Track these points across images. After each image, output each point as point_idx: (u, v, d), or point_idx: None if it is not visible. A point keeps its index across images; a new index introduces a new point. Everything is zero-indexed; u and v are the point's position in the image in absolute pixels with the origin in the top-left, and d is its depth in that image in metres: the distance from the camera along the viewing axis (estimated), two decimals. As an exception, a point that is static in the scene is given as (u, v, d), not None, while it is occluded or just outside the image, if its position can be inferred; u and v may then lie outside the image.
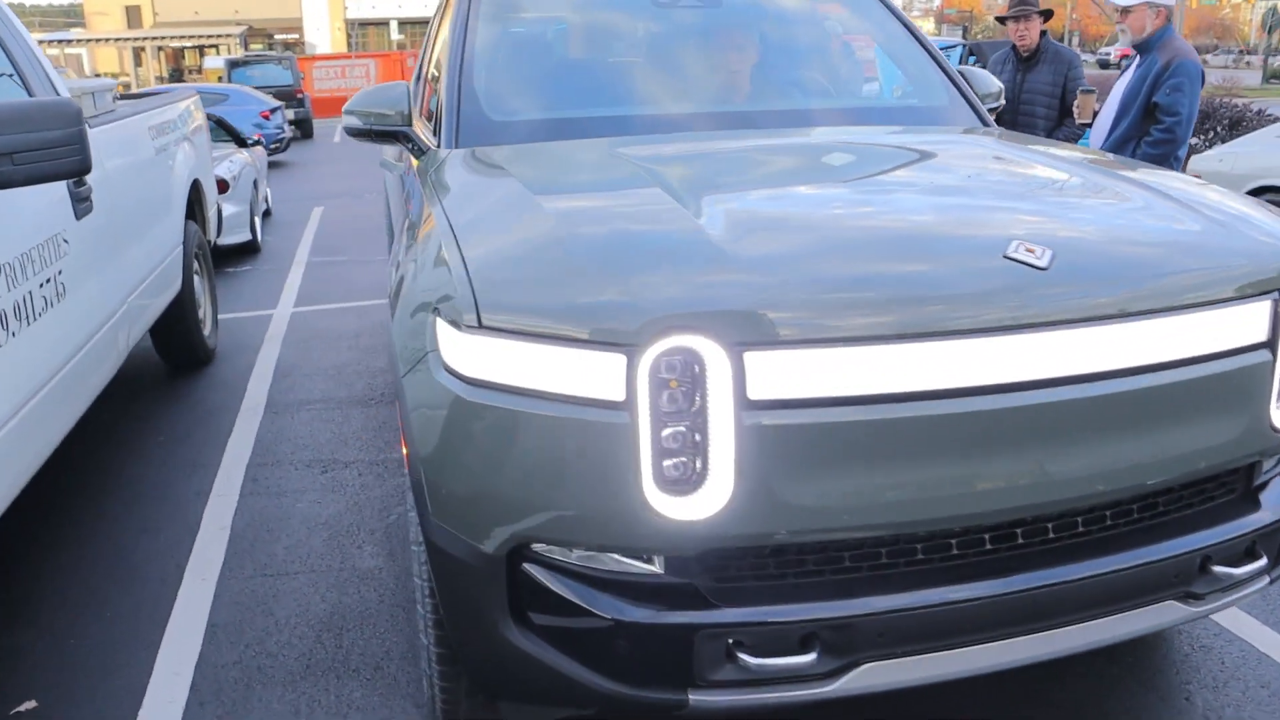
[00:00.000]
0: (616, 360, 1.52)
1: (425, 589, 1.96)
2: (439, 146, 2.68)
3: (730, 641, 1.62)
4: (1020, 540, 1.76)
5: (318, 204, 11.16)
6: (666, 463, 1.55)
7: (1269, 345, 1.80)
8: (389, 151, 4.38)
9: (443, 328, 1.69)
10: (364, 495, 3.66)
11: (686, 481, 1.56)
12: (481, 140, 2.62)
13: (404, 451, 1.91)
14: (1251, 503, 1.92)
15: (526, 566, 1.70)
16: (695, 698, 1.64)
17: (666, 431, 1.53)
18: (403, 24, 52.99)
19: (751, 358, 1.52)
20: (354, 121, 2.86)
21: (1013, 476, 1.65)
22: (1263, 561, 1.88)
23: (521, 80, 2.94)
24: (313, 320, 6.16)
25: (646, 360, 1.50)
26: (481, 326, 1.60)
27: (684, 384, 1.52)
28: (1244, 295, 1.76)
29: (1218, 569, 1.82)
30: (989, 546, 1.75)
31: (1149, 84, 4.20)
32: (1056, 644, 1.76)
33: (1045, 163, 2.37)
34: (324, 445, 4.15)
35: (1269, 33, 38.33)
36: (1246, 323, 1.77)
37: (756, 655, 1.62)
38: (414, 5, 50.87)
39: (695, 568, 1.65)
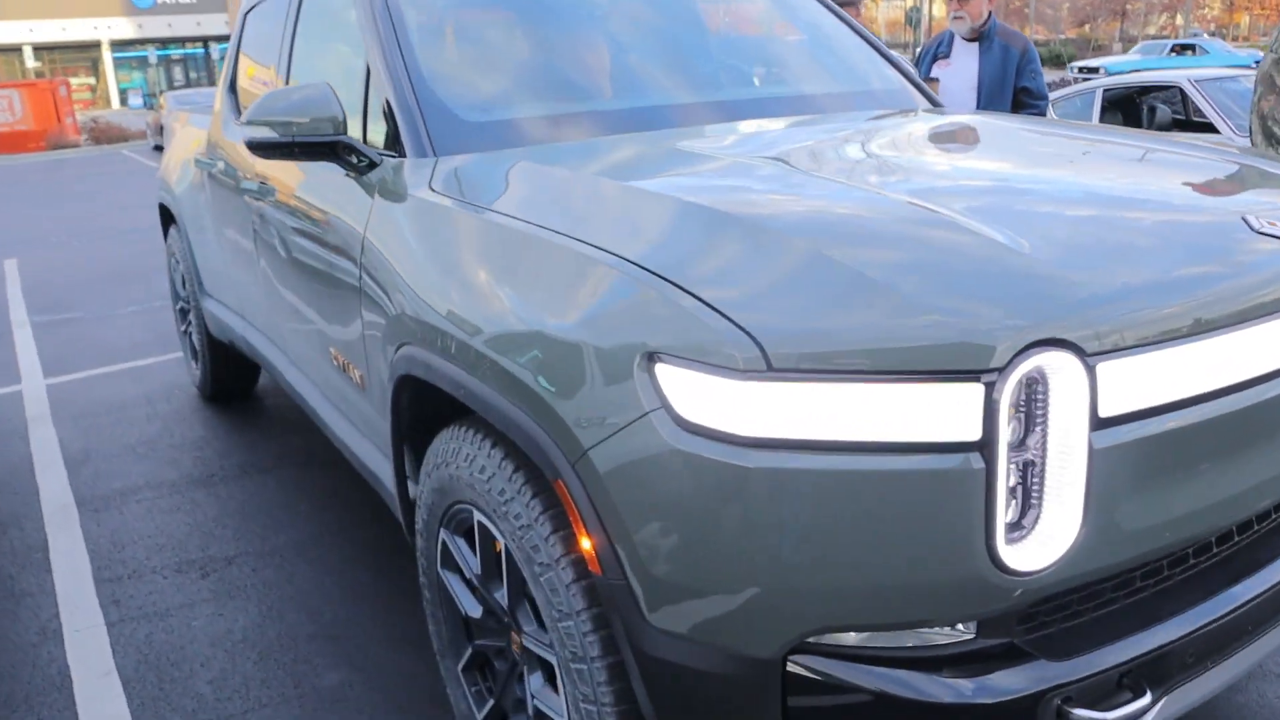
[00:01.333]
0: (972, 391, 1.23)
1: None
2: (404, 157, 2.20)
3: (1059, 701, 1.39)
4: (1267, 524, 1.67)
5: (6, 256, 9.48)
6: (1014, 508, 1.29)
7: None
8: (215, 171, 3.67)
9: (682, 378, 1.31)
10: (275, 595, 3.02)
11: (1028, 526, 1.31)
12: (466, 146, 2.18)
13: (586, 547, 1.49)
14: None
15: (804, 662, 1.37)
16: (1028, 773, 1.39)
17: (1022, 469, 1.27)
18: (39, 49, 46.73)
19: (1104, 370, 1.29)
20: (267, 134, 2.29)
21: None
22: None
23: (491, 74, 2.49)
24: (80, 391, 5.14)
25: (1008, 388, 1.23)
26: (771, 370, 1.25)
27: (1036, 412, 1.27)
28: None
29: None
30: (1246, 536, 1.64)
31: (1013, 69, 4.39)
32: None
33: (1109, 136, 2.31)
34: (185, 542, 3.41)
35: (914, 28, 42.96)
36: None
37: (1084, 710, 1.40)
38: (49, 29, 45.14)
39: (1012, 623, 1.40)
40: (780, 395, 1.25)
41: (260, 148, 2.30)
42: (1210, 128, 6.40)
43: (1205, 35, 52.60)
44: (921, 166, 2.01)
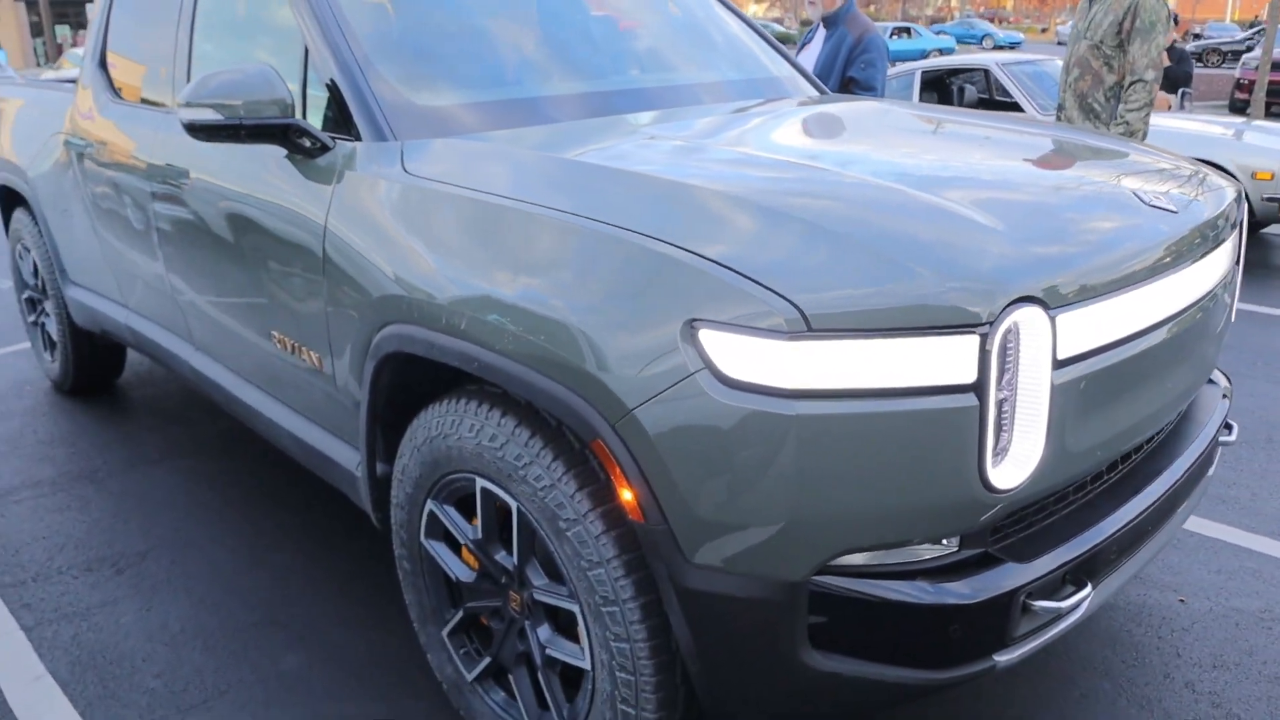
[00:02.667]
0: (969, 342, 1.48)
1: (639, 651, 1.73)
2: (358, 140, 2.26)
3: (1025, 596, 1.67)
4: (1156, 441, 2.04)
5: None
6: (1000, 436, 1.55)
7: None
8: (91, 153, 3.52)
9: (725, 341, 1.50)
10: (202, 585, 3.00)
11: (1005, 451, 1.58)
12: (422, 131, 2.26)
13: (629, 500, 1.66)
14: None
15: (824, 582, 1.59)
16: (1001, 659, 1.68)
17: (1001, 405, 1.54)
18: None
19: (1064, 320, 1.58)
20: (210, 115, 2.27)
21: (1182, 380, 1.92)
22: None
23: (435, 59, 2.55)
24: (-91, 393, 4.76)
25: (996, 338, 1.49)
26: (810, 330, 1.45)
27: (1012, 356, 1.53)
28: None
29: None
30: (1147, 451, 2.00)
31: (843, 58, 4.58)
32: (1175, 526, 2.06)
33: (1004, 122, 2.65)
34: (87, 540, 3.30)
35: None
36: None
37: (1041, 601, 1.70)
38: None
39: (985, 536, 1.67)
40: (817, 352, 1.46)
41: (201, 130, 2.29)
42: (1015, 106, 7.09)
43: (976, 17, 56.62)
44: (857, 150, 2.27)
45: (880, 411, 1.49)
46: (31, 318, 4.73)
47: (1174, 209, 1.91)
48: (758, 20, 33.41)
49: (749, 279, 1.50)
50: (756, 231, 1.61)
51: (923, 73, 7.80)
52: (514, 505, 1.89)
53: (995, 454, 1.55)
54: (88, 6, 36.68)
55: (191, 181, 2.81)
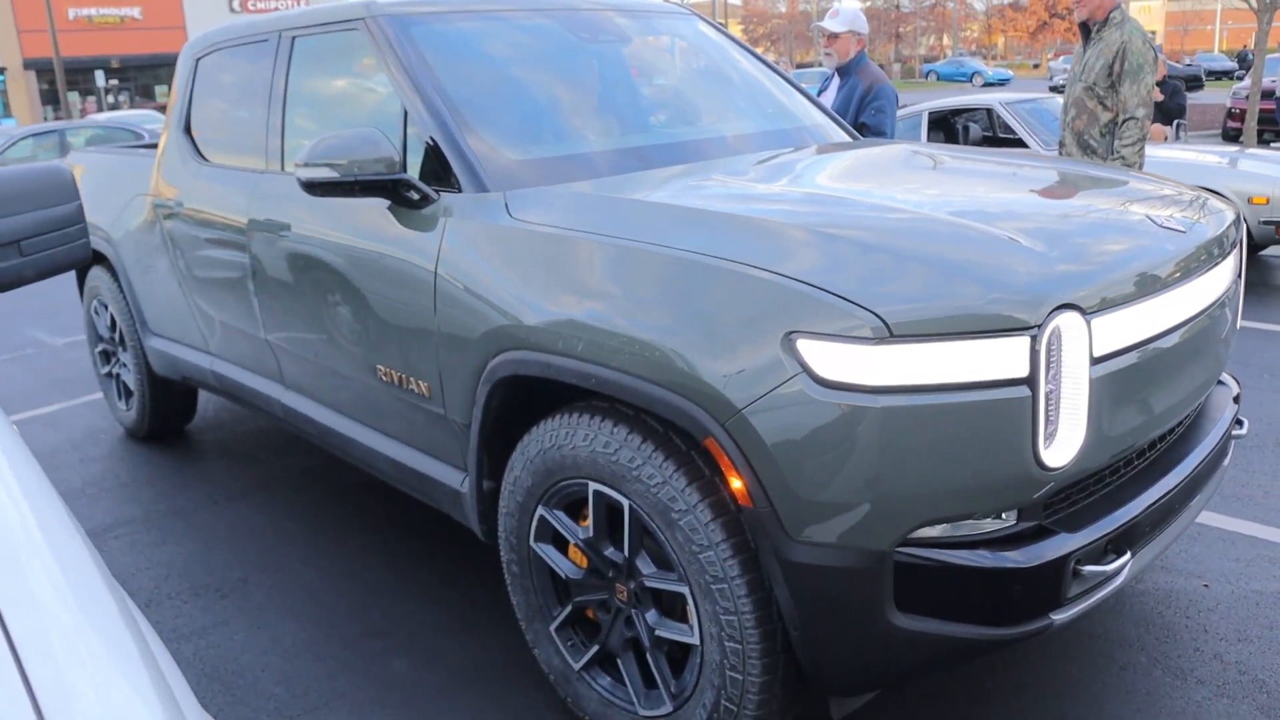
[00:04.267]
0: (1021, 343, 1.78)
1: (750, 621, 2.01)
2: (460, 191, 2.57)
3: (1075, 562, 1.95)
4: (1178, 432, 2.33)
5: None
6: (1049, 422, 1.84)
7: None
8: (180, 211, 3.84)
9: (821, 349, 1.79)
10: (303, 605, 3.27)
11: (1055, 435, 1.87)
12: (516, 182, 2.58)
13: (738, 488, 1.94)
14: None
15: (906, 551, 1.88)
16: (1057, 617, 1.95)
17: (1049, 396, 1.83)
18: None
19: (1097, 324, 1.88)
20: (326, 173, 2.59)
21: (1198, 376, 2.22)
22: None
23: (518, 119, 2.89)
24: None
25: (1044, 339, 1.79)
26: (893, 336, 1.75)
27: (1056, 354, 1.83)
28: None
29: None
30: (1174, 439, 2.29)
31: (855, 105, 4.94)
32: (1198, 507, 2.35)
33: (1014, 159, 2.97)
34: (187, 569, 3.58)
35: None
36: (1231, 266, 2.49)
37: (1089, 565, 1.97)
38: None
39: (1039, 510, 1.96)
40: (897, 354, 1.76)
41: (319, 186, 2.61)
42: (1019, 142, 7.46)
43: (967, 55, 57.67)
44: (909, 187, 2.59)
45: (950, 403, 1.78)
46: (105, 369, 5.03)
47: (1182, 229, 2.22)
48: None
49: (838, 295, 1.80)
50: (836, 257, 1.92)
51: (930, 113, 8.18)
52: (626, 504, 2.17)
53: (1046, 437, 1.84)
54: (96, 74, 37.53)
55: (291, 235, 3.13)
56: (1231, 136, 15.36)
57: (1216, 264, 2.30)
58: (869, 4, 65.31)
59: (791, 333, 1.82)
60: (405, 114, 2.79)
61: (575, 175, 2.66)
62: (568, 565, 2.41)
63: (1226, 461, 2.58)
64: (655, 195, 2.42)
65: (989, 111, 7.87)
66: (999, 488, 1.85)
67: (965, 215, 2.13)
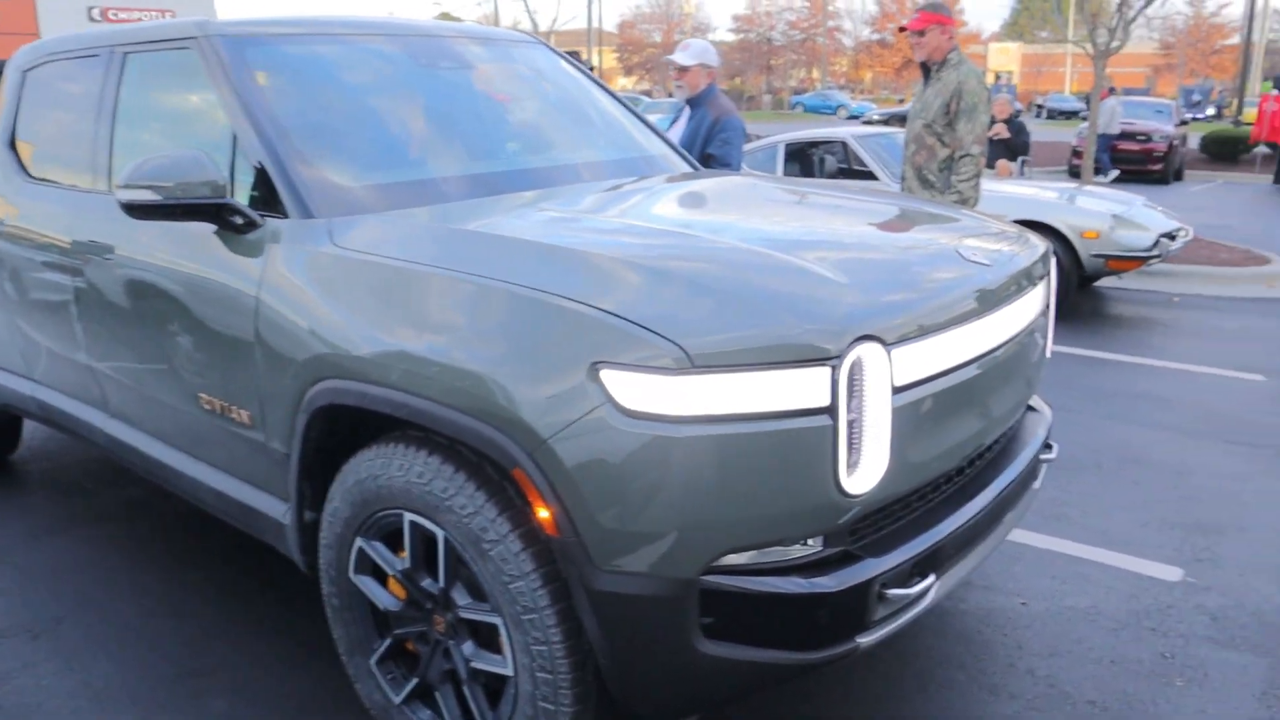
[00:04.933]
0: (822, 373, 1.83)
1: (561, 650, 1.99)
2: (285, 217, 2.50)
3: (880, 586, 2.01)
4: (987, 457, 2.43)
5: None
6: (851, 450, 1.90)
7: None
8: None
9: (624, 379, 1.80)
10: (119, 645, 3.09)
11: (857, 464, 1.92)
12: (342, 209, 2.52)
13: (545, 518, 1.93)
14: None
15: (712, 580, 1.90)
16: (864, 640, 2.00)
17: (851, 424, 1.89)
18: None
19: (897, 354, 1.94)
20: (148, 196, 2.49)
21: (1004, 403, 2.32)
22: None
23: (352, 145, 2.82)
24: None
25: (845, 369, 1.84)
26: (694, 366, 1.78)
27: (858, 384, 1.89)
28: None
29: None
30: (983, 463, 2.39)
31: (702, 136, 4.99)
32: (1005, 528, 2.45)
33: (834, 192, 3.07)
34: (-3, 608, 3.35)
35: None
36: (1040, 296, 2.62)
37: (894, 589, 2.04)
38: None
39: (845, 536, 2.01)
40: (700, 384, 1.78)
41: (139, 209, 2.50)
42: (870, 174, 7.75)
43: (836, 89, 59.74)
44: (729, 218, 2.64)
45: (752, 432, 1.81)
46: (-81, 395, 4.69)
47: (988, 262, 2.33)
48: (627, 94, 34.62)
49: (641, 326, 1.82)
50: (643, 288, 1.94)
51: (786, 145, 8.43)
52: (440, 534, 2.13)
53: (849, 465, 1.89)
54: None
55: (115, 257, 2.99)
56: (1075, 173, 16.31)
57: (1023, 295, 2.42)
58: (743, 37, 67.17)
59: (597, 363, 1.83)
60: (234, 137, 2.70)
61: (409, 202, 2.62)
62: (387, 597, 2.35)
63: (1037, 484, 2.71)
64: (479, 224, 2.41)
65: (844, 145, 8.15)
66: (802, 515, 1.89)
67: (779, 247, 2.19)
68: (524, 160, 3.13)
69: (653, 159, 3.45)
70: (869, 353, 1.89)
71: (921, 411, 2.02)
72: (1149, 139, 17.45)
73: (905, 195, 4.48)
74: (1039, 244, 2.71)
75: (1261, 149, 18.89)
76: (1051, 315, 2.79)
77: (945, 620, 3.06)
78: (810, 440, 1.84)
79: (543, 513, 1.94)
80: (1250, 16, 30.75)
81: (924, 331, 2.03)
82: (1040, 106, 43.85)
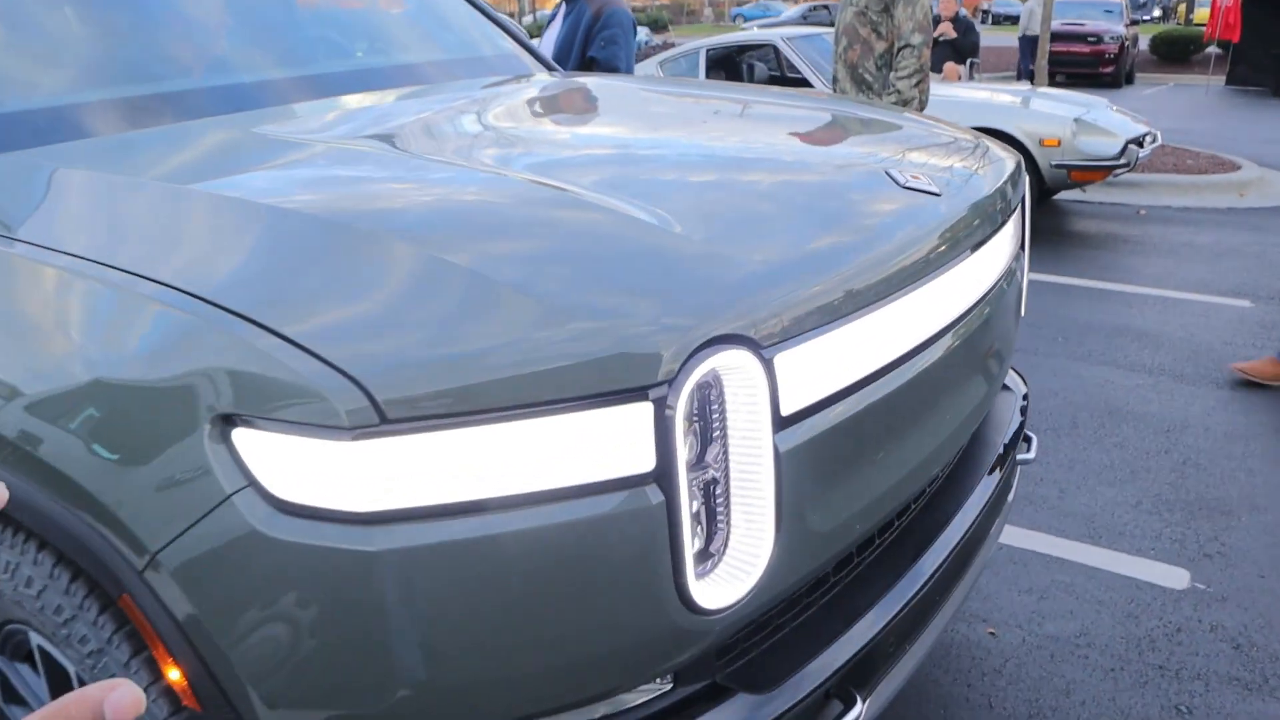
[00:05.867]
0: (639, 413, 1.00)
1: None
2: None
3: (771, 733, 1.23)
4: (936, 484, 1.63)
5: None
6: (699, 535, 1.09)
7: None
8: None
9: (271, 446, 0.97)
10: None
11: (717, 553, 1.11)
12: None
13: (174, 679, 1.11)
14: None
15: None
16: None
17: (709, 491, 1.07)
18: None
19: (781, 362, 1.12)
20: None
21: (965, 404, 1.51)
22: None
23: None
24: None
25: (682, 400, 1.01)
26: (385, 422, 0.94)
27: (713, 422, 1.07)
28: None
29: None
30: (925, 499, 1.58)
31: (581, 36, 3.98)
32: (970, 582, 1.67)
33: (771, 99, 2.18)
34: None
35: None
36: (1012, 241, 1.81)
37: (798, 733, 1.25)
38: None
39: (712, 661, 1.21)
40: (400, 453, 0.95)
41: None
42: (804, 81, 6.84)
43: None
44: (544, 138, 1.76)
45: (512, 531, 0.99)
46: None
47: (936, 190, 1.50)
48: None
49: (297, 346, 0.97)
50: (323, 266, 1.08)
51: (708, 51, 7.46)
52: (72, 670, 1.31)
53: (700, 562, 1.09)
54: None
55: None
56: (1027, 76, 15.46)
57: (990, 236, 1.61)
58: (687, -53, 64.59)
59: (225, 415, 0.98)
60: None
61: (54, 135, 1.71)
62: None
63: (1011, 496, 1.94)
64: (121, 165, 1.53)
65: (774, 49, 7.20)
66: (625, 655, 1.09)
67: (593, 180, 1.34)
68: (281, 69, 2.20)
69: (482, 61, 2.54)
70: (731, 364, 1.06)
71: (834, 448, 1.21)
72: (1100, 40, 16.59)
73: (831, 98, 3.56)
74: (1006, 156, 1.89)
75: (1214, 49, 18.17)
76: (1026, 258, 1.98)
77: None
78: (624, 534, 1.02)
79: (173, 673, 1.11)
80: (1199, -90, 29.76)
81: (833, 313, 1.21)
82: (985, 11, 42.76)
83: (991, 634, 2.41)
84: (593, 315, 1.02)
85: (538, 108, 2.00)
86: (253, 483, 0.98)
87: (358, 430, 0.93)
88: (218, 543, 0.99)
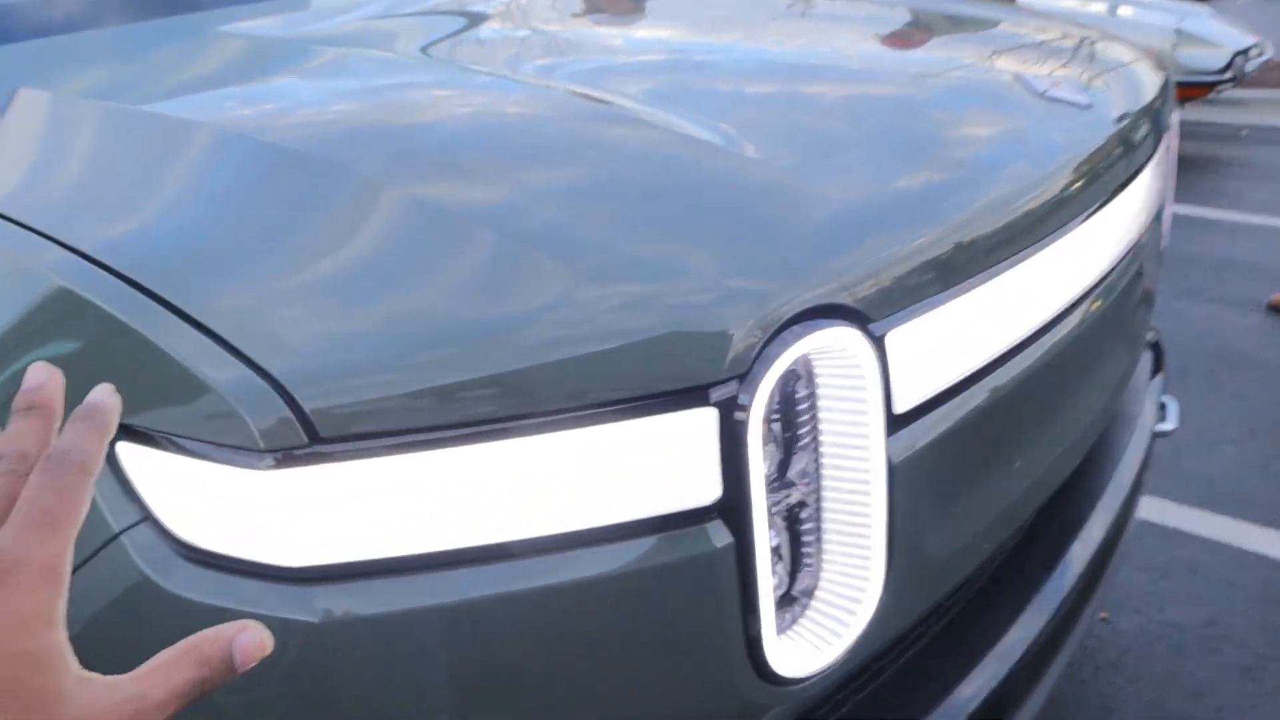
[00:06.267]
0: (699, 422, 0.69)
1: None
2: None
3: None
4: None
5: None
6: (781, 575, 0.79)
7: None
8: None
9: (175, 470, 0.68)
10: None
11: (802, 603, 0.81)
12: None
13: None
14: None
15: None
16: None
17: (796, 522, 0.77)
18: None
19: (895, 340, 0.80)
20: None
21: (1109, 373, 1.19)
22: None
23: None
24: None
25: (758, 401, 0.70)
26: (319, 441, 0.64)
27: (797, 426, 0.76)
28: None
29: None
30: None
31: None
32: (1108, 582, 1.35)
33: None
34: None
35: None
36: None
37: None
38: None
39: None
40: (344, 482, 0.66)
41: None
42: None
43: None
44: (573, 40, 1.42)
45: (520, 592, 0.69)
46: None
47: (1086, 100, 1.15)
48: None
49: (205, 331, 0.68)
50: (264, 217, 0.78)
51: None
52: None
53: (780, 614, 0.79)
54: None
55: None
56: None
57: (1144, 165, 1.26)
58: None
59: (154, 434, 0.70)
60: None
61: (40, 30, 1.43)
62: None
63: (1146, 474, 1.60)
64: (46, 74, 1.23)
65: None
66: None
67: (651, 91, 1.00)
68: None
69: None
70: (829, 346, 0.75)
71: (956, 455, 0.90)
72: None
73: None
74: (1151, 72, 1.51)
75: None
76: (1171, 191, 1.62)
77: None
78: (677, 589, 0.72)
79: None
80: None
81: (959, 277, 0.88)
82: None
83: (1105, 619, 2.09)
84: (630, 277, 0.71)
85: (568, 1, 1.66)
86: (148, 517, 0.70)
87: (281, 453, 0.63)
88: (104, 597, 0.72)
